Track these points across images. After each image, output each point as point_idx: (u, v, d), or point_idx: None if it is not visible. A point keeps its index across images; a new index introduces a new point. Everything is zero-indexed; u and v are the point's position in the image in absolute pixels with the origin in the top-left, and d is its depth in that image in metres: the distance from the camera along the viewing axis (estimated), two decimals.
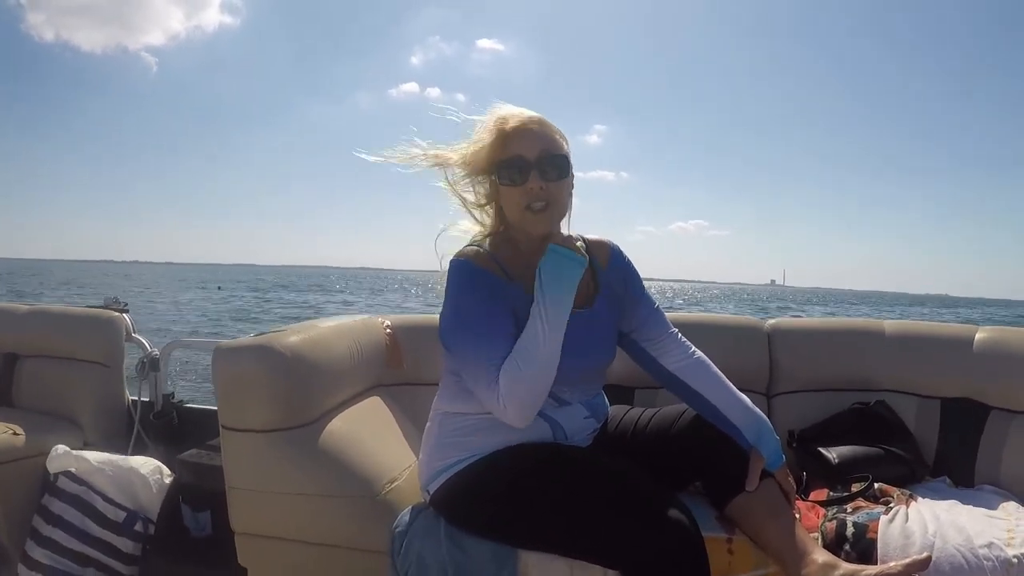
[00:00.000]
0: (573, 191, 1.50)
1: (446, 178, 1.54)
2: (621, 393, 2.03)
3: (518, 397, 1.35)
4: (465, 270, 1.44)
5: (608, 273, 1.60)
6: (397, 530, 1.50)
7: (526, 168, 1.41)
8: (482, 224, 1.57)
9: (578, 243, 1.61)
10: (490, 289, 1.42)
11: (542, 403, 1.38)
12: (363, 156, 1.57)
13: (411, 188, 1.59)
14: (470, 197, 1.55)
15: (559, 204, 1.46)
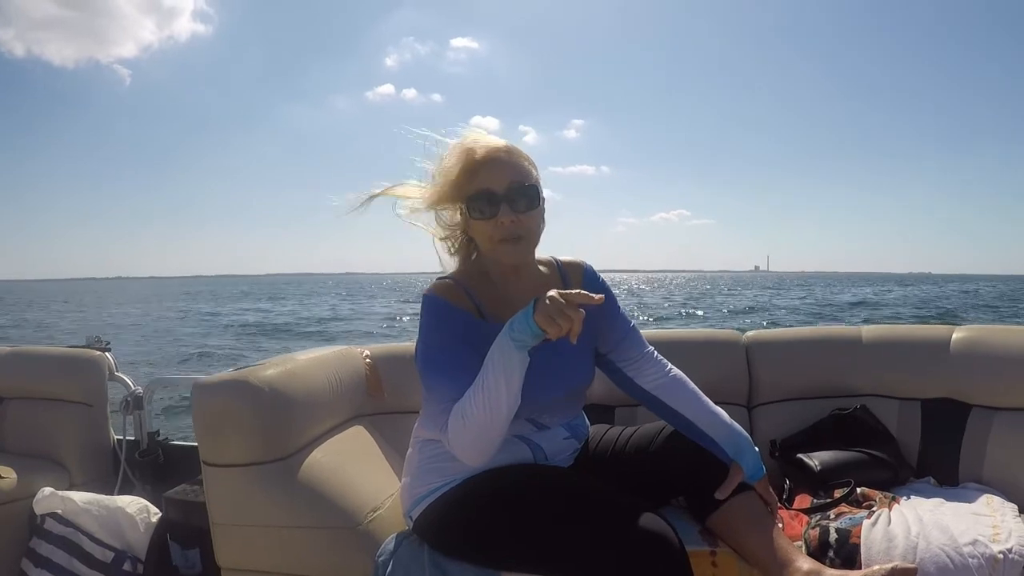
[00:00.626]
0: (544, 216, 1.49)
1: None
2: (601, 412, 2.04)
3: (463, 446, 1.36)
4: (436, 307, 1.44)
5: None
6: (381, 559, 1.50)
7: (496, 201, 1.40)
8: (450, 252, 1.57)
9: (551, 266, 1.60)
10: (461, 327, 1.42)
11: (495, 448, 1.37)
12: (335, 202, 1.58)
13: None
14: (437, 230, 1.55)
15: (531, 235, 1.45)
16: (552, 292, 1.25)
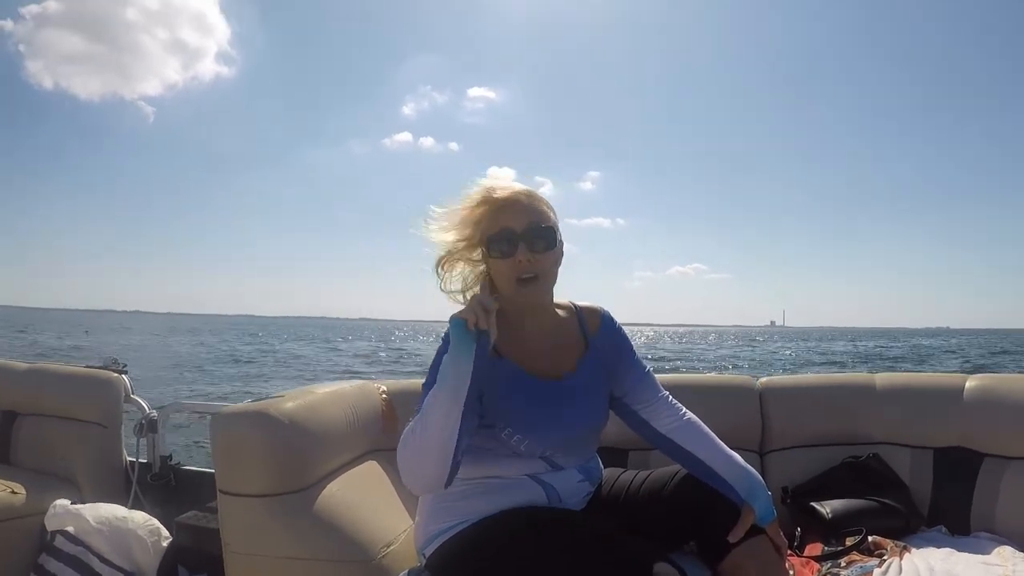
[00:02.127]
0: (561, 260, 1.52)
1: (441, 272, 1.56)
2: (615, 455, 2.04)
3: (402, 468, 1.35)
4: (445, 338, 1.43)
5: (598, 339, 1.62)
6: None
7: (514, 240, 1.44)
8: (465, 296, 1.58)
9: (570, 310, 1.62)
10: None
11: (432, 481, 1.34)
12: (414, 231, 1.56)
13: (410, 240, 1.60)
14: (456, 283, 1.57)
15: (547, 274, 1.48)
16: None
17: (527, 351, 1.52)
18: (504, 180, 1.52)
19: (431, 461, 1.31)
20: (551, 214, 1.51)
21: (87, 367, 2.82)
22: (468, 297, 1.58)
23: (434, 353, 1.48)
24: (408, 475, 1.36)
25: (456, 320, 1.30)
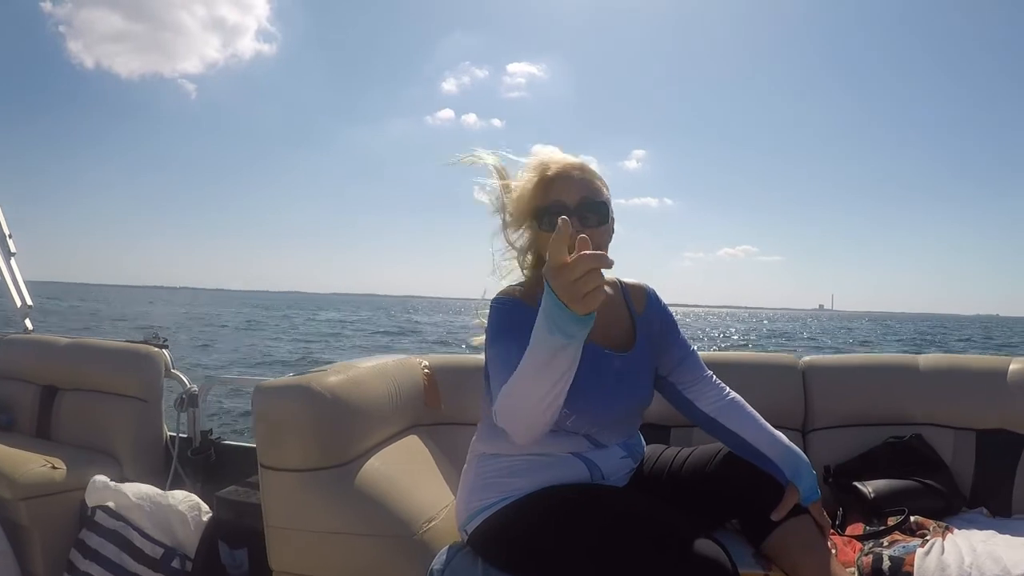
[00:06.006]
0: (612, 235, 1.50)
1: (503, 220, 1.55)
2: (657, 432, 2.04)
3: (507, 423, 1.30)
4: (505, 305, 1.44)
5: (644, 317, 1.61)
6: (434, 568, 1.51)
7: (566, 214, 1.38)
8: (522, 270, 1.58)
9: (615, 285, 1.61)
10: (527, 323, 1.34)
11: (541, 428, 1.28)
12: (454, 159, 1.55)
13: (462, 214, 1.59)
14: (515, 242, 1.56)
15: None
16: (551, 265, 1.10)
17: None
18: (558, 152, 1.50)
19: (537, 425, 1.27)
20: (604, 190, 1.49)
21: (128, 342, 2.84)
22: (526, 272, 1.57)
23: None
24: (515, 427, 1.29)
25: (577, 316, 1.09)
